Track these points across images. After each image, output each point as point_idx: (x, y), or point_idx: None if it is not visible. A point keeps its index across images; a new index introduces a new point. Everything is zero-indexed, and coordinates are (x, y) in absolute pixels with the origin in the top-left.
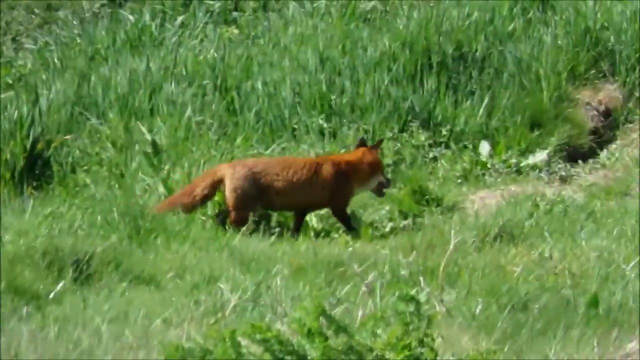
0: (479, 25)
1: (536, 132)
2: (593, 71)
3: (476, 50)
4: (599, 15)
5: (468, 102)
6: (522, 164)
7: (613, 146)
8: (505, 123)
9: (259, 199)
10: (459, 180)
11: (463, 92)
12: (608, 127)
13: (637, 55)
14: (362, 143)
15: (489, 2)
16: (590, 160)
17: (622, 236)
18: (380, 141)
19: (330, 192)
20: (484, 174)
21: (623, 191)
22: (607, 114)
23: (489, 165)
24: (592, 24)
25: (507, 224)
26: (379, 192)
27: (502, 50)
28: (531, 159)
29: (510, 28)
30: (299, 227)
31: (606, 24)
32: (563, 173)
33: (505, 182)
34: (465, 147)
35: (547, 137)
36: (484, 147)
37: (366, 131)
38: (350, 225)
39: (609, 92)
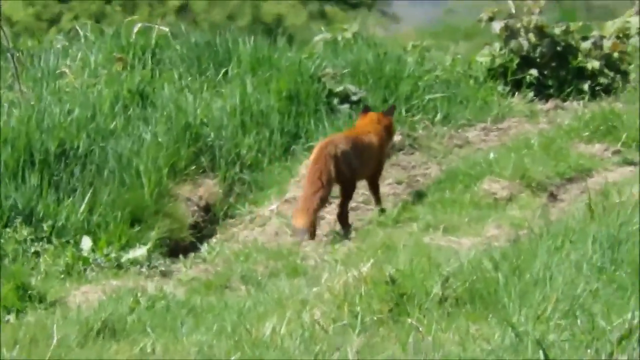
0: (80, 123)
1: (137, 228)
2: (194, 167)
3: (78, 147)
4: (199, 111)
5: (70, 198)
6: (122, 259)
7: (213, 240)
8: (106, 218)
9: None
10: (62, 276)
11: (65, 189)
12: (209, 221)
13: (237, 150)
14: (366, 109)
15: (90, 99)
16: (192, 255)
17: (222, 331)
18: (393, 107)
19: (376, 161)
20: (85, 269)
21: (223, 284)
22: (207, 208)
23: (90, 260)
24: (192, 119)
25: (109, 318)
26: (388, 155)
27: (103, 147)
28: (131, 254)
29: (112, 125)
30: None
31: (206, 120)
32: (163, 268)
33: (107, 277)
34: (68, 242)
35: (147, 232)
36: (86, 242)
37: None
38: (380, 197)
39: (209, 187)
